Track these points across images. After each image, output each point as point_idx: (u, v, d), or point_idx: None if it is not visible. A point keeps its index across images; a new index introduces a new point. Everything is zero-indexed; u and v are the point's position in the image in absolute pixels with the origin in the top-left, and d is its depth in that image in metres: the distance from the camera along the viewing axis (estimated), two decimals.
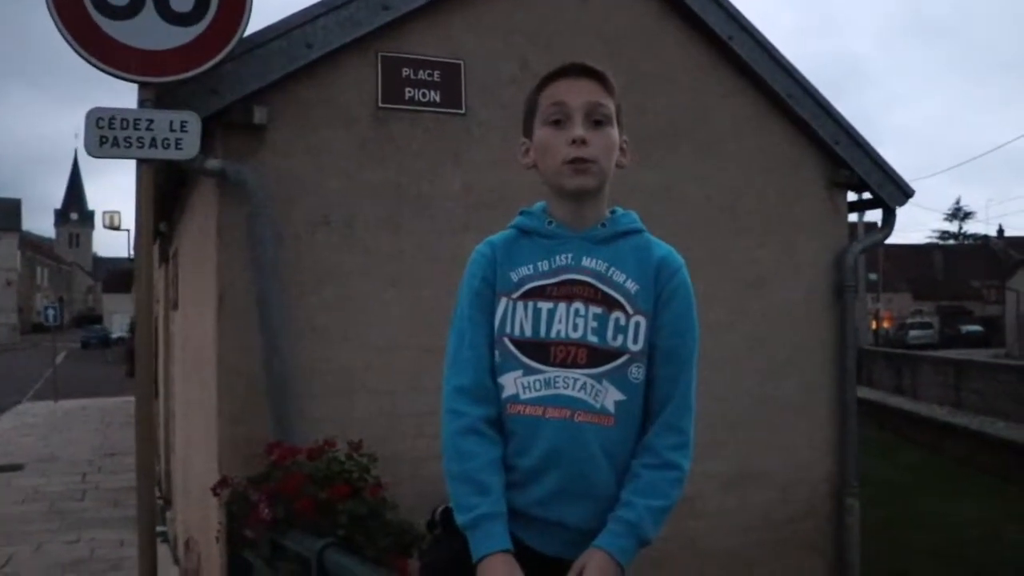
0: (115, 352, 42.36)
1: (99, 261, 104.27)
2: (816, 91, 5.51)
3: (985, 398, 17.36)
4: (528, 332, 1.61)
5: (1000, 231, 60.80)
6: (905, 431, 18.30)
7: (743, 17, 5.24)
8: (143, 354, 3.93)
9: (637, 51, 5.00)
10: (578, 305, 1.61)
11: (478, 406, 1.61)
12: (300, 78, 4.19)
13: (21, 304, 67.52)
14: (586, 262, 1.64)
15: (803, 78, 5.46)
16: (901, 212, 5.90)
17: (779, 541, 5.40)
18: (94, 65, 3.66)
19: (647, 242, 1.69)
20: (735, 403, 5.17)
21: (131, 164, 3.80)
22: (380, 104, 4.39)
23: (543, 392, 1.58)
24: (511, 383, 1.61)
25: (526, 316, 1.62)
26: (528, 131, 1.73)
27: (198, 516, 5.11)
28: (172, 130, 3.68)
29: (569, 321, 1.60)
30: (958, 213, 65.73)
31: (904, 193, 5.82)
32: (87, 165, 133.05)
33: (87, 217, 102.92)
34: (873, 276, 42.75)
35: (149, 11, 3.69)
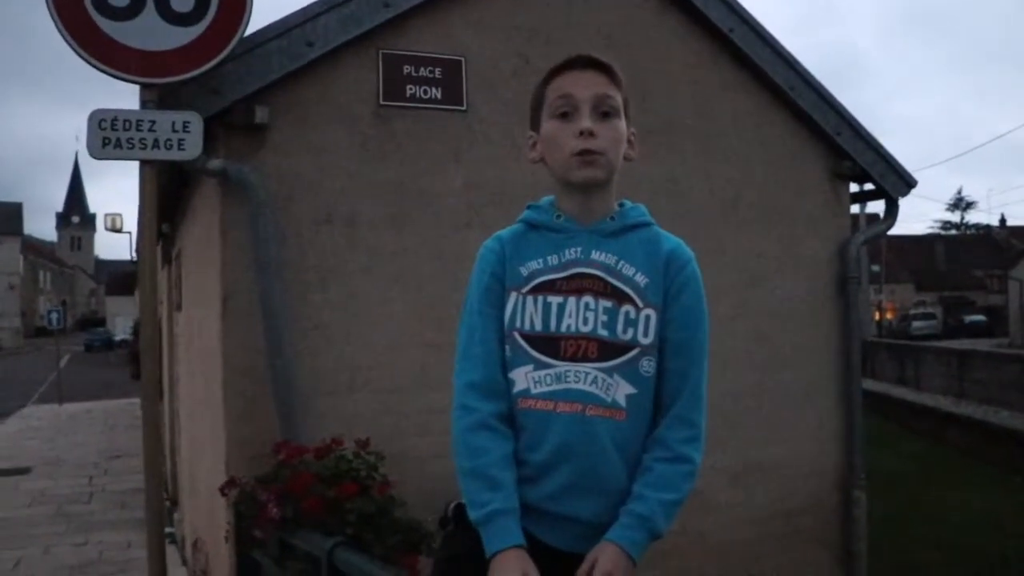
0: (118, 355, 42.44)
1: (101, 264, 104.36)
2: (818, 83, 5.50)
3: (988, 388, 17.34)
4: (538, 326, 1.61)
5: (1002, 220, 60.84)
6: (908, 422, 18.30)
7: (743, 9, 5.23)
8: (148, 355, 3.93)
9: (637, 45, 5.00)
10: (588, 299, 1.60)
11: (489, 401, 1.61)
12: (301, 77, 4.19)
13: (24, 308, 67.65)
14: (595, 255, 1.64)
15: (804, 70, 5.45)
16: (903, 203, 5.91)
17: (785, 533, 5.40)
18: (95, 66, 3.65)
19: (656, 235, 1.69)
20: (739, 396, 5.17)
21: (132, 166, 3.80)
22: (381, 102, 4.38)
23: (554, 386, 1.58)
24: (522, 378, 1.61)
25: (536, 310, 1.62)
26: (535, 124, 1.72)
27: (206, 516, 5.12)
28: (174, 131, 3.67)
29: (579, 315, 1.60)
30: (960, 203, 65.73)
31: (907, 183, 5.81)
32: (88, 168, 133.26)
33: (89, 220, 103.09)
34: (876, 267, 42.74)
35: (150, 12, 3.68)
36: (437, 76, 4.46)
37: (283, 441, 3.78)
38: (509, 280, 1.66)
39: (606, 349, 1.59)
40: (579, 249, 1.64)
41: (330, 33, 4.17)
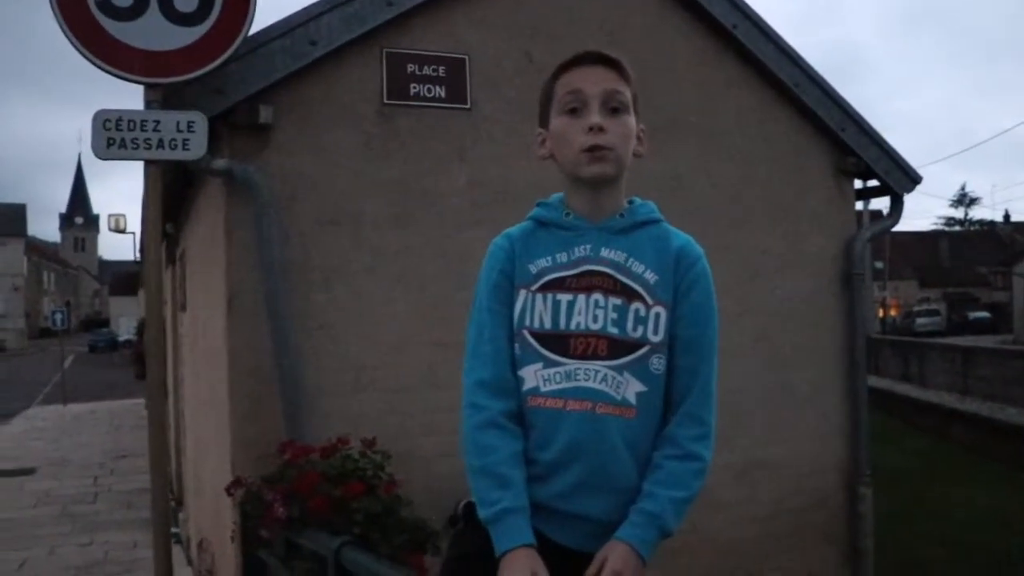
0: (123, 355, 42.51)
1: (105, 264, 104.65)
2: (822, 79, 5.48)
3: (993, 384, 17.29)
4: (548, 324, 1.60)
5: (1006, 216, 60.68)
6: (913, 418, 18.28)
7: (747, 6, 5.22)
8: (154, 356, 3.93)
9: (641, 42, 4.99)
10: (597, 296, 1.60)
11: (498, 400, 1.60)
12: (305, 76, 4.19)
13: (28, 309, 67.79)
14: (605, 253, 1.63)
15: (808, 66, 5.44)
16: (906, 199, 5.89)
17: (791, 531, 5.39)
18: (99, 67, 3.65)
19: (666, 232, 1.68)
20: (744, 393, 5.16)
21: (135, 167, 3.82)
22: (385, 100, 4.38)
23: (564, 384, 1.58)
24: (531, 376, 1.60)
25: (545, 308, 1.61)
26: (544, 121, 1.71)
27: (211, 516, 5.12)
28: (179, 131, 3.67)
29: (589, 313, 1.59)
30: (964, 199, 65.51)
31: (912, 179, 5.80)
32: (90, 168, 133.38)
33: (92, 221, 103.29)
34: (879, 264, 42.65)
35: (153, 12, 3.68)
36: (441, 74, 4.45)
37: (289, 441, 3.78)
38: (518, 278, 1.65)
39: (616, 347, 1.58)
40: (588, 246, 1.64)
41: (333, 32, 4.17)
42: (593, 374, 1.57)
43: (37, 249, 76.44)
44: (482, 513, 1.55)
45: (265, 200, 4.03)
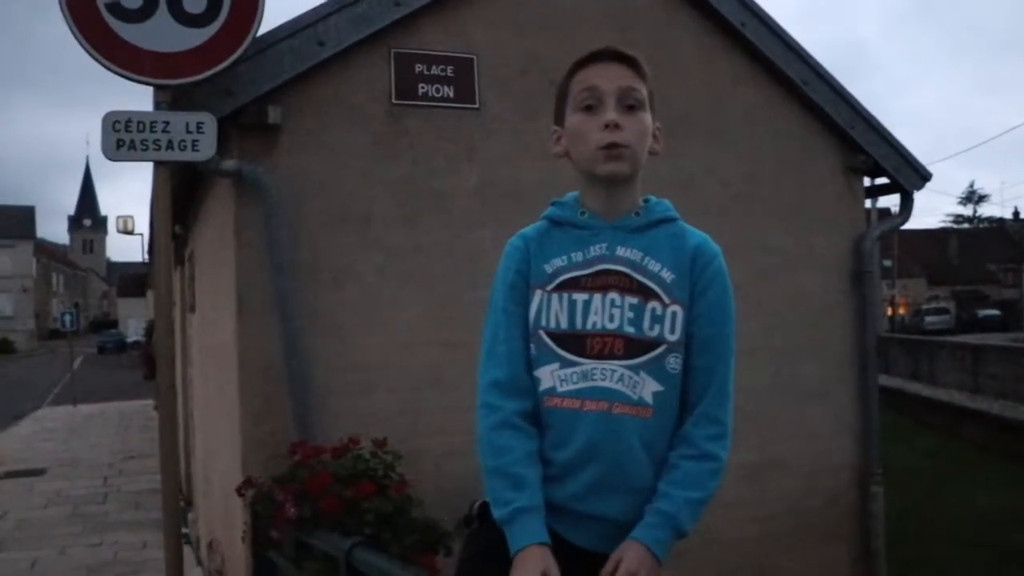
0: (131, 356, 42.64)
1: (113, 266, 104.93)
2: (830, 76, 5.46)
3: (1004, 383, 17.20)
4: (564, 324, 1.59)
5: (1016, 213, 60.33)
6: (923, 417, 18.19)
7: (755, 3, 5.20)
8: (164, 357, 3.93)
9: (649, 40, 4.96)
10: (613, 295, 1.59)
11: (513, 400, 1.59)
12: (313, 77, 4.19)
13: (37, 310, 68.10)
14: (620, 252, 1.62)
15: (817, 63, 5.41)
16: (915, 197, 5.85)
17: (801, 530, 5.37)
18: (108, 68, 3.66)
19: (682, 230, 1.67)
20: (754, 392, 5.13)
21: (143, 169, 3.88)
22: (394, 101, 4.38)
23: (580, 384, 1.57)
24: (548, 376, 1.59)
25: (561, 308, 1.60)
26: (559, 119, 1.70)
27: (221, 517, 5.13)
28: (188, 132, 3.67)
29: (605, 312, 1.58)
30: (972, 196, 65.17)
31: (921, 177, 5.77)
32: (98, 171, 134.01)
33: (100, 222, 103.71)
34: (887, 262, 42.53)
35: (162, 13, 3.68)
36: (449, 74, 4.45)
37: (300, 441, 3.78)
38: (534, 278, 1.64)
39: (632, 346, 1.57)
40: (604, 245, 1.63)
41: (341, 33, 4.17)
42: (610, 374, 1.56)
43: (46, 251, 76.76)
44: (497, 513, 1.54)
45: (274, 200, 4.03)
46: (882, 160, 5.61)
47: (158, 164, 3.79)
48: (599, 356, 1.57)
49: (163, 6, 3.69)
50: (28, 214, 67.99)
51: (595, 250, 1.63)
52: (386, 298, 4.34)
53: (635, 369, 1.56)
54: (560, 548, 1.52)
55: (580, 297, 1.60)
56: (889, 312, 43.97)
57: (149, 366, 21.92)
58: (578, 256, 1.63)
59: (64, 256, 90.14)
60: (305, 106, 4.20)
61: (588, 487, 1.56)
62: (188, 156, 3.72)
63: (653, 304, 1.59)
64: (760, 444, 5.20)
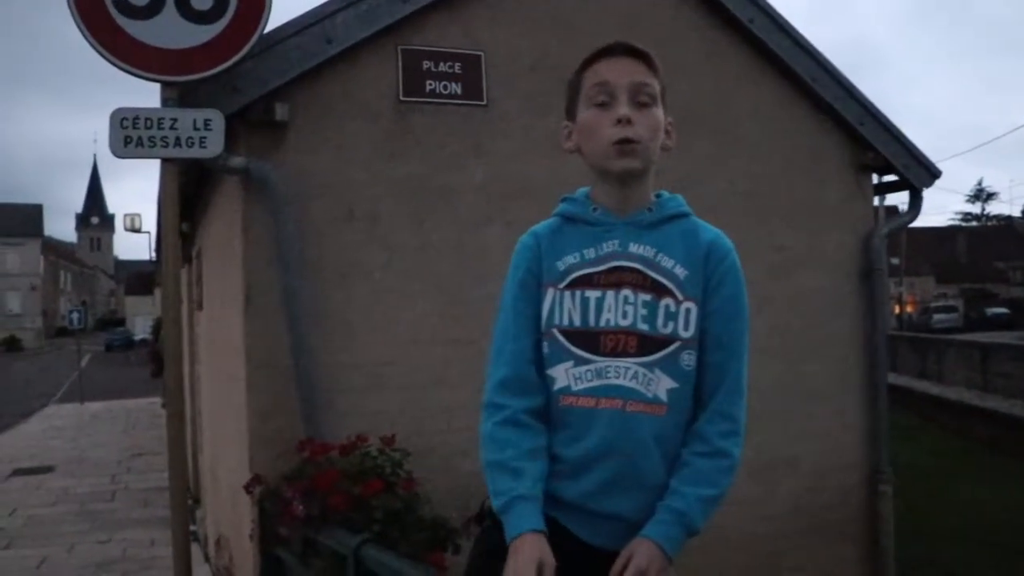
0: (139, 354, 42.79)
1: (120, 264, 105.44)
2: (839, 73, 5.43)
3: (1013, 381, 17.12)
4: (577, 322, 1.58)
5: None
6: (932, 415, 18.11)
7: None
8: (172, 355, 3.93)
9: (656, 36, 4.93)
10: (627, 292, 1.57)
11: (519, 398, 1.59)
12: (320, 74, 4.18)
13: (45, 308, 68.34)
14: (633, 248, 1.60)
15: (826, 60, 5.38)
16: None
17: (809, 529, 5.34)
18: (116, 65, 3.66)
19: (695, 226, 1.66)
20: (763, 390, 5.09)
21: (149, 167, 3.86)
22: (401, 98, 4.37)
23: (595, 383, 1.56)
24: (562, 374, 1.58)
25: (574, 306, 1.59)
26: (571, 114, 1.68)
27: (229, 514, 5.13)
28: (196, 128, 3.68)
29: (618, 309, 1.57)
30: (981, 194, 64.98)
31: (931, 174, 5.73)
32: (106, 169, 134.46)
33: (108, 220, 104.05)
34: (895, 260, 42.37)
35: (170, 10, 3.69)
36: (457, 71, 4.44)
37: (308, 438, 3.78)
38: (546, 276, 1.63)
39: (646, 343, 1.56)
40: (617, 242, 1.61)
41: (349, 29, 4.16)
42: (623, 371, 1.55)
43: (54, 249, 77.02)
44: (495, 503, 1.54)
45: (281, 197, 4.02)
46: (892, 157, 5.58)
47: (166, 161, 3.79)
48: (613, 354, 1.56)
49: (170, 3, 3.69)
50: (36, 212, 68.26)
51: (608, 247, 1.61)
52: (393, 295, 4.33)
53: (649, 366, 1.55)
54: (571, 546, 1.51)
55: (593, 294, 1.58)
56: (897, 310, 43.83)
57: (156, 364, 22.00)
58: (590, 253, 1.62)
59: (72, 254, 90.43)
60: (312, 103, 4.19)
61: (601, 485, 1.55)
62: (196, 153, 3.72)
63: (667, 301, 1.57)
64: (768, 442, 5.18)
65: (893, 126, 5.60)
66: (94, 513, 8.64)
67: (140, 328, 57.01)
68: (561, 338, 1.59)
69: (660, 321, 1.56)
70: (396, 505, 3.32)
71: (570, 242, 1.64)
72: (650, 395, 1.55)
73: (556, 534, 1.55)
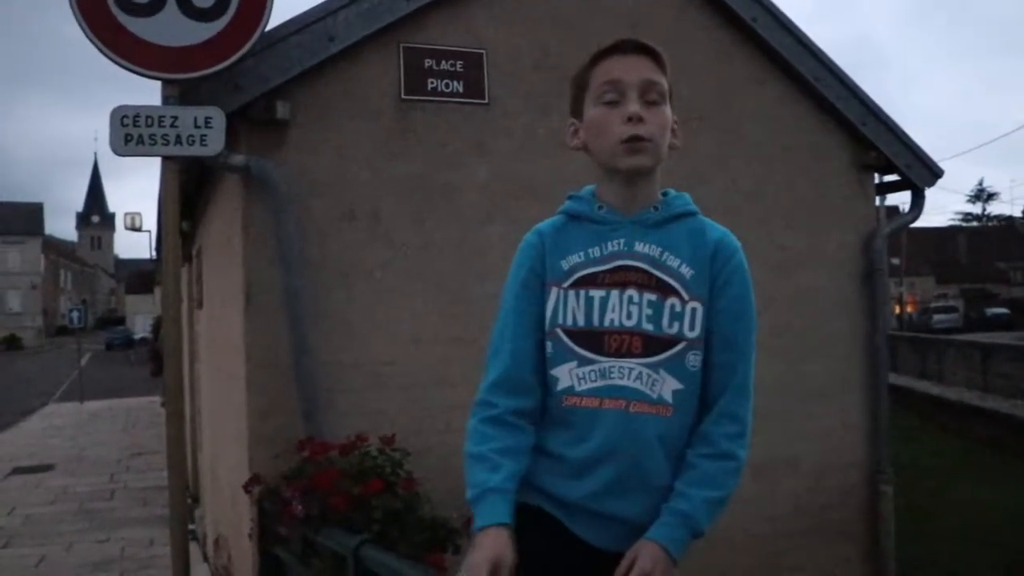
0: (139, 353, 42.80)
1: (121, 263, 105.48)
2: (842, 72, 5.41)
3: (1013, 381, 17.11)
4: (581, 321, 1.56)
5: None
6: (932, 415, 18.10)
7: None
8: (172, 354, 3.92)
9: (659, 35, 4.88)
10: (631, 292, 1.55)
11: (510, 398, 1.58)
12: (322, 72, 4.17)
13: (45, 307, 68.36)
14: (639, 247, 1.58)
15: (829, 59, 5.37)
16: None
17: (810, 528, 5.33)
18: (117, 63, 3.65)
19: (701, 225, 1.63)
20: (764, 390, 5.02)
21: (150, 166, 3.83)
22: (403, 96, 4.35)
23: (599, 383, 1.54)
24: (566, 374, 1.56)
25: (578, 305, 1.57)
26: (576, 111, 1.66)
27: (228, 513, 5.11)
28: (197, 126, 3.66)
29: (623, 309, 1.55)
30: (981, 194, 64.97)
31: (933, 174, 5.72)
32: (107, 168, 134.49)
33: (108, 219, 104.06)
34: (895, 260, 42.36)
35: (171, 8, 3.67)
36: (458, 69, 4.42)
37: (308, 438, 3.77)
38: (550, 275, 1.61)
39: (651, 344, 1.54)
40: (622, 240, 1.59)
41: (350, 27, 4.15)
42: (628, 372, 1.53)
43: (54, 248, 77.01)
44: (468, 494, 1.53)
45: (282, 196, 4.01)
46: (894, 157, 5.56)
47: (166, 159, 3.77)
48: (617, 354, 1.54)
49: (172, 0, 3.68)
50: (36, 211, 68.25)
51: (613, 245, 1.59)
52: (394, 294, 4.32)
53: (654, 367, 1.53)
54: (575, 548, 1.50)
55: (597, 294, 1.56)
56: (897, 310, 43.81)
57: (156, 362, 22.01)
58: (595, 252, 1.60)
59: (72, 253, 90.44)
60: (314, 101, 4.18)
61: (605, 486, 1.54)
62: (196, 151, 3.70)
63: (672, 301, 1.55)
64: (770, 442, 5.16)
65: (896, 125, 5.59)
66: (93, 512, 8.64)
67: (140, 327, 57.05)
68: (565, 338, 1.57)
69: (665, 321, 1.54)
70: (396, 505, 3.31)
71: (575, 241, 1.62)
72: (655, 396, 1.53)
73: (560, 535, 1.53)
